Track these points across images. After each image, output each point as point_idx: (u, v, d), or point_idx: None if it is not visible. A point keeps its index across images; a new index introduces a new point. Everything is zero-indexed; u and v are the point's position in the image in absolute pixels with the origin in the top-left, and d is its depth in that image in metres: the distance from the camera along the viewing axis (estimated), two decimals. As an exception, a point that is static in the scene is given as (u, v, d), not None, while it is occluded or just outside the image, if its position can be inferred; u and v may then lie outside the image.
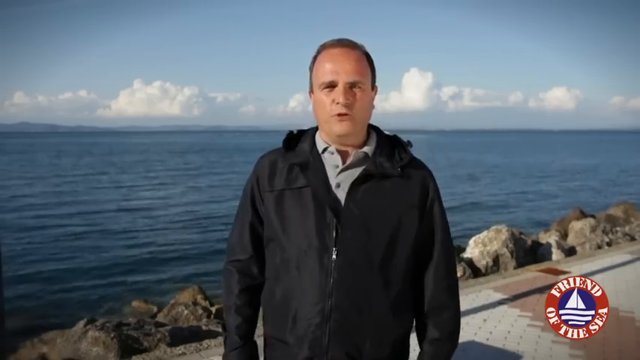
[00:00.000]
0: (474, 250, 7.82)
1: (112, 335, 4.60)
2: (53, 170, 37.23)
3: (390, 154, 1.44)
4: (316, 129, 1.49)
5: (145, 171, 36.99)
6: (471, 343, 4.15)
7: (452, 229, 1.53)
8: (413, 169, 1.45)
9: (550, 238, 9.13)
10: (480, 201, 21.80)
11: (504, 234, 7.83)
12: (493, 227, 8.26)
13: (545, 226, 12.99)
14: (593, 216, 11.43)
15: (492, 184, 28.77)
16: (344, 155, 1.42)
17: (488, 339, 4.23)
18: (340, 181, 1.39)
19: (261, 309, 1.53)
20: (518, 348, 4.04)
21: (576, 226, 9.71)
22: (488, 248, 7.69)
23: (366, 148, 1.43)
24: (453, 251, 1.55)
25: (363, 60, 1.40)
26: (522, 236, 8.54)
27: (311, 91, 1.46)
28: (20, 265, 10.72)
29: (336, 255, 1.34)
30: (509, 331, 4.39)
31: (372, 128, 1.50)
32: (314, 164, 1.41)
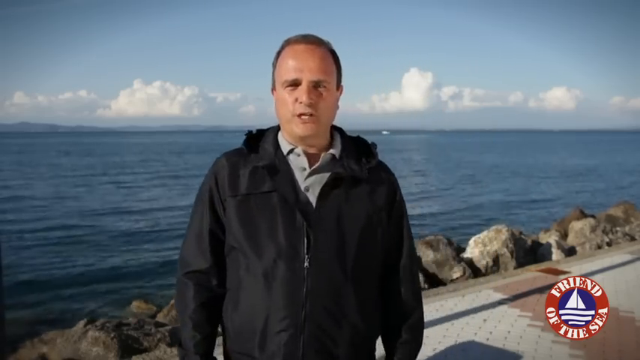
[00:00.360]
0: (473, 250, 7.81)
1: (112, 335, 4.60)
2: (53, 170, 37.24)
3: (357, 156, 1.40)
4: (277, 128, 1.43)
5: (144, 171, 36.99)
6: (471, 343, 4.14)
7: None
8: (379, 171, 1.42)
9: (550, 238, 9.13)
10: (480, 201, 21.79)
11: (504, 234, 7.82)
12: (493, 227, 8.25)
13: (545, 226, 12.98)
14: (593, 216, 11.42)
15: (492, 184, 28.77)
16: (310, 157, 1.36)
17: (488, 339, 4.23)
18: (309, 184, 1.33)
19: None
20: (518, 348, 4.04)
21: (576, 226, 9.71)
22: (488, 248, 7.68)
23: (333, 150, 1.38)
24: (417, 256, 1.56)
25: (329, 58, 1.34)
26: (522, 236, 8.54)
27: (273, 88, 1.39)
28: (20, 265, 10.72)
29: (309, 262, 1.28)
30: (509, 331, 4.38)
31: (334, 129, 1.44)
32: (280, 167, 1.34)
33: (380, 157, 1.45)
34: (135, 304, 8.05)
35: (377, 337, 1.45)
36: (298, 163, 1.35)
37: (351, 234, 1.32)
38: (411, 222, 1.52)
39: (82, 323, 5.64)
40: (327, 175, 1.33)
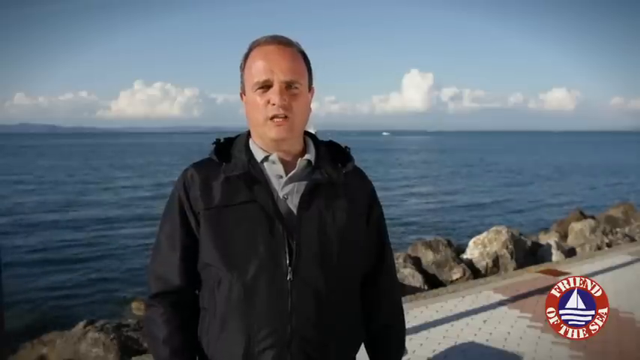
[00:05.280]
0: (473, 251, 7.82)
1: (112, 336, 4.60)
2: (53, 171, 37.24)
3: (332, 161, 1.36)
4: (247, 135, 1.37)
5: (145, 172, 36.98)
6: (471, 344, 4.14)
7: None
8: (356, 176, 1.40)
9: (550, 239, 9.13)
10: (480, 202, 21.77)
11: (504, 235, 7.82)
12: (493, 228, 8.25)
13: (545, 227, 12.98)
14: (592, 217, 11.41)
15: (492, 184, 28.74)
16: (285, 164, 1.30)
17: (488, 340, 4.23)
18: (287, 192, 1.28)
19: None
20: (518, 349, 4.03)
21: (576, 227, 9.71)
22: (488, 249, 7.68)
23: (308, 156, 1.33)
24: (394, 260, 1.56)
25: (300, 59, 1.30)
26: (522, 237, 8.54)
27: (243, 92, 1.34)
28: (20, 266, 10.71)
29: (293, 274, 1.23)
30: (509, 332, 4.38)
31: (306, 134, 1.40)
32: (256, 176, 1.27)
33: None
34: (135, 304, 8.04)
35: (361, 343, 1.44)
36: (274, 171, 1.30)
37: (333, 243, 1.28)
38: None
39: (81, 324, 5.64)
40: (304, 182, 1.29)
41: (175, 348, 1.27)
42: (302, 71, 1.30)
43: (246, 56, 1.31)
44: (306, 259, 1.24)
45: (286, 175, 1.30)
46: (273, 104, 1.24)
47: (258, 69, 1.26)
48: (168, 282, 1.31)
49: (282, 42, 1.29)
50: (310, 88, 1.35)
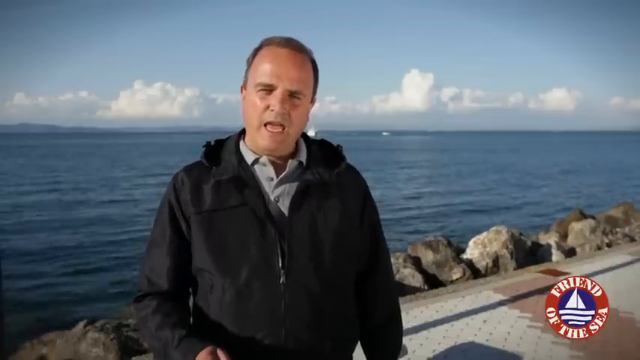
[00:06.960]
0: (473, 251, 7.81)
1: (112, 336, 4.60)
2: (53, 170, 37.23)
3: (324, 161, 1.34)
4: (237, 137, 1.35)
5: (146, 172, 36.97)
6: (471, 344, 4.14)
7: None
8: (349, 175, 1.38)
9: (550, 239, 9.12)
10: (480, 201, 21.77)
11: (504, 235, 7.82)
12: (493, 228, 8.25)
13: (545, 227, 12.97)
14: (593, 217, 11.41)
15: (492, 184, 28.76)
16: (276, 166, 1.29)
17: (488, 340, 4.23)
18: (278, 194, 1.27)
19: None
20: (518, 349, 4.04)
21: (576, 227, 9.71)
22: (488, 249, 7.68)
23: (299, 157, 1.31)
24: (390, 260, 1.54)
25: (309, 68, 1.27)
26: (522, 237, 8.54)
27: (244, 86, 1.31)
28: (20, 266, 10.71)
29: (286, 277, 1.22)
30: (509, 332, 4.38)
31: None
32: (246, 179, 1.26)
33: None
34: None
35: (357, 343, 1.43)
36: (265, 173, 1.28)
37: (325, 243, 1.26)
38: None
39: (81, 324, 5.64)
40: (295, 183, 1.28)
41: (174, 322, 1.24)
42: (308, 81, 1.27)
43: (256, 52, 1.28)
44: (298, 261, 1.23)
45: (277, 177, 1.28)
46: (272, 110, 1.22)
47: (265, 71, 1.23)
48: (155, 285, 1.30)
49: (295, 47, 1.25)
50: (312, 99, 1.32)
